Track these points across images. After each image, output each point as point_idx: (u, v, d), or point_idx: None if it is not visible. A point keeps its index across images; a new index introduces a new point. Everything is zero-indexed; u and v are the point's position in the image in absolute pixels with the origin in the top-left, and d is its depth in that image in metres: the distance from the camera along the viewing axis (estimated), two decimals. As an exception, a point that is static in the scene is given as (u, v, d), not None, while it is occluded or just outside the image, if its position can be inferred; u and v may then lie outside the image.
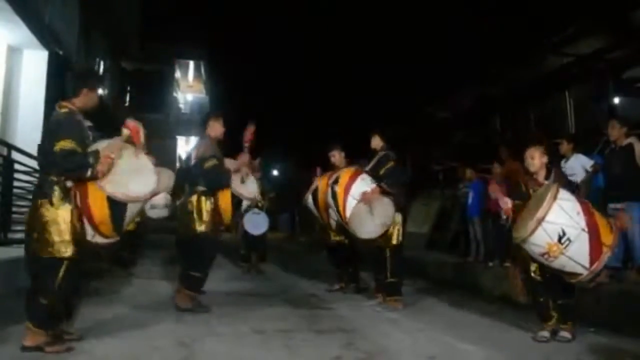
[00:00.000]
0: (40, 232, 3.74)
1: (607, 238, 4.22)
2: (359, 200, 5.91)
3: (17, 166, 7.40)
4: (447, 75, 16.96)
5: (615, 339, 4.69)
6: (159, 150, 5.97)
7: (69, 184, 3.81)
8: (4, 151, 7.28)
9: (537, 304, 4.75)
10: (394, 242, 6.10)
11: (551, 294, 4.69)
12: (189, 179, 5.67)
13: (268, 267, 9.88)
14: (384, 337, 4.69)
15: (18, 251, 6.89)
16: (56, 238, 3.72)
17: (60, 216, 3.75)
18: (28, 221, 3.90)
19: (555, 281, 4.59)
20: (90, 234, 3.95)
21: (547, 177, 4.80)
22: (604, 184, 6.67)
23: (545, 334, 4.63)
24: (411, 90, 19.32)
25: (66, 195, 3.79)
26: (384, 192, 5.98)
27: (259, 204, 9.34)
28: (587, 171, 6.87)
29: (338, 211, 6.12)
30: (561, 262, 4.23)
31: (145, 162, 4.22)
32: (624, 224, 4.49)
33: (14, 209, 7.38)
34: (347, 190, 6.00)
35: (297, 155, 30.16)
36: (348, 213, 5.94)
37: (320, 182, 6.80)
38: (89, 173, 3.77)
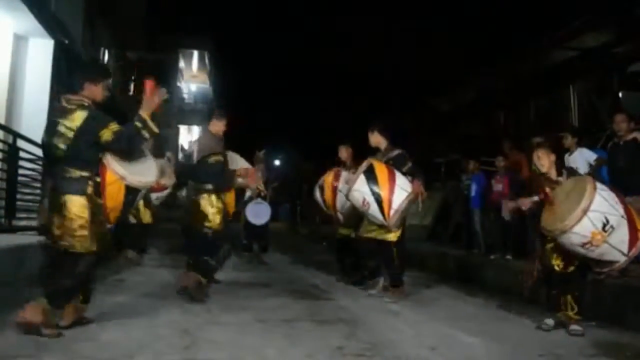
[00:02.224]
0: (74, 227, 3.84)
1: (639, 223, 4.33)
2: (411, 198, 5.87)
3: (22, 154, 7.44)
4: (450, 67, 16.92)
5: (618, 333, 4.73)
6: (161, 139, 6.03)
7: (97, 179, 3.96)
8: (10, 139, 7.30)
9: (551, 295, 4.85)
10: (400, 235, 6.11)
11: (566, 289, 4.76)
12: (194, 177, 5.77)
13: (270, 257, 9.92)
14: (386, 328, 4.72)
15: (23, 238, 6.95)
16: (87, 233, 3.86)
17: (93, 210, 3.91)
18: (58, 218, 3.88)
19: (574, 275, 4.68)
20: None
21: (559, 174, 4.90)
22: (608, 178, 6.66)
23: (551, 322, 4.75)
24: (414, 82, 19.27)
25: (97, 190, 3.96)
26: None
27: (262, 194, 9.38)
28: (590, 165, 6.87)
29: (380, 205, 5.80)
30: (601, 251, 4.29)
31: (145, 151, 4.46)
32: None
33: (19, 196, 7.41)
34: (392, 184, 5.84)
35: (300, 146, 30.18)
36: (395, 207, 5.79)
37: (327, 178, 7.13)
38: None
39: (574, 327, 4.64)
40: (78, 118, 3.91)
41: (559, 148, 7.35)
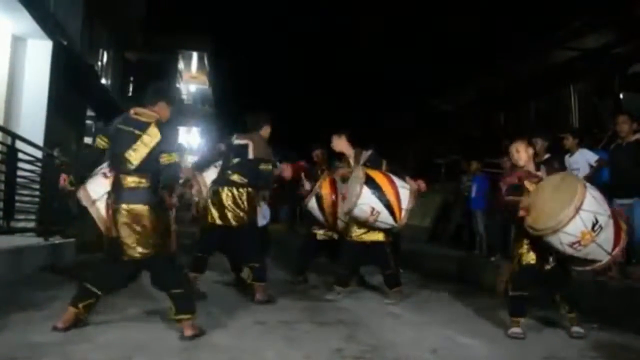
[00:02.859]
0: (151, 235, 4.04)
1: (622, 223, 4.30)
2: (414, 195, 5.90)
3: (20, 155, 7.41)
4: (451, 68, 16.90)
5: (619, 335, 4.69)
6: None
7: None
8: (8, 140, 7.28)
9: (516, 298, 4.67)
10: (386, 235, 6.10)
11: (551, 289, 4.71)
12: (229, 168, 5.71)
13: (269, 259, 9.86)
14: (386, 330, 4.70)
15: (21, 240, 6.94)
16: (162, 238, 4.16)
17: (164, 218, 4.22)
18: (130, 227, 4.00)
19: (556, 273, 4.60)
20: None
21: (537, 169, 4.85)
22: (610, 179, 6.63)
23: (519, 330, 4.56)
24: (415, 82, 19.24)
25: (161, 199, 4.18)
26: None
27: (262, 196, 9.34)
28: (591, 166, 6.85)
29: (391, 209, 5.76)
30: (588, 251, 4.22)
31: None
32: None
33: (17, 197, 7.39)
34: (394, 187, 5.81)
35: (299, 147, 30.09)
36: (404, 207, 5.79)
37: (323, 186, 6.97)
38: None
39: (576, 329, 4.60)
40: (156, 134, 4.06)
41: (560, 149, 7.34)
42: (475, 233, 9.71)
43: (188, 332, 4.01)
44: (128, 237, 3.98)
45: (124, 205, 3.99)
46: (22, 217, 7.72)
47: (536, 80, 13.02)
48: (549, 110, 13.62)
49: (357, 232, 6.06)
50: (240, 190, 5.59)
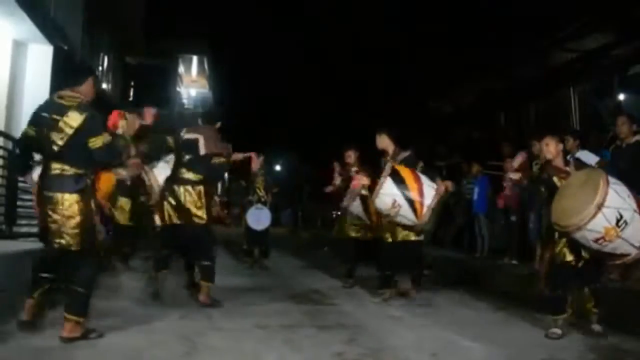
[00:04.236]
0: (72, 225, 3.90)
1: None
2: (439, 198, 6.07)
3: (21, 160, 7.41)
4: (450, 70, 16.89)
5: (619, 337, 4.67)
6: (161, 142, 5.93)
7: (92, 177, 4.05)
8: (9, 145, 7.29)
9: (555, 295, 4.74)
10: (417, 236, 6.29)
11: (582, 282, 4.72)
12: (182, 165, 5.60)
13: (271, 262, 9.88)
14: (387, 334, 4.70)
15: (24, 245, 6.92)
16: (84, 229, 3.93)
17: (87, 209, 3.96)
18: (53, 215, 3.91)
19: (589, 268, 4.64)
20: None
21: (565, 165, 4.89)
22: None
23: (558, 330, 4.62)
24: (414, 85, 19.25)
25: (92, 189, 4.04)
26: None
27: (262, 199, 9.36)
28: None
29: (412, 204, 5.92)
30: (614, 245, 4.25)
31: None
32: None
33: (19, 203, 7.39)
34: (419, 183, 5.96)
35: (300, 150, 30.10)
36: (427, 203, 5.97)
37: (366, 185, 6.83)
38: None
39: (596, 326, 4.67)
40: (77, 118, 3.92)
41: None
42: (476, 235, 9.70)
43: (66, 333, 3.88)
44: (49, 224, 3.94)
45: (47, 193, 3.93)
46: (24, 222, 7.72)
47: (536, 82, 13.02)
48: (549, 111, 13.61)
49: (397, 233, 6.27)
50: (196, 187, 5.50)
